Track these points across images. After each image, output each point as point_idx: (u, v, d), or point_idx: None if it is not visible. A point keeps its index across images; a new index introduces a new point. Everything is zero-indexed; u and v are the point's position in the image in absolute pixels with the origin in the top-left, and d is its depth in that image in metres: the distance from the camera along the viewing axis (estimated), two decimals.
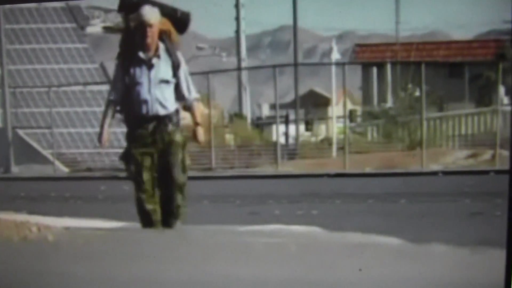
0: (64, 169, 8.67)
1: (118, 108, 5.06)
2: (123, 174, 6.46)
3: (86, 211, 6.79)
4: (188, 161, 5.30)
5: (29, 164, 8.55)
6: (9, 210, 6.37)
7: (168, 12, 5.22)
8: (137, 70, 5.08)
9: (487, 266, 4.72)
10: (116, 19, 8.50)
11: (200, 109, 5.26)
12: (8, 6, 8.10)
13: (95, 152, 8.51)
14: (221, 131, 8.88)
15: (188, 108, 5.17)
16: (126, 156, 5.16)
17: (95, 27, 8.67)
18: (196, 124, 5.16)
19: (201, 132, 5.23)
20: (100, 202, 7.23)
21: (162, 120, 5.11)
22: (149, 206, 5.26)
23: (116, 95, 5.12)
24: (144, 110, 5.08)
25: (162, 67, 5.11)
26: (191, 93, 5.09)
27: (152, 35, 5.06)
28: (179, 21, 5.31)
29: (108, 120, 5.18)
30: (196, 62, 6.35)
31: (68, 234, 5.75)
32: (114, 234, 5.89)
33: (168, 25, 5.18)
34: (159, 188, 5.25)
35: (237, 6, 9.01)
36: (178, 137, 5.18)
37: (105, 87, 8.59)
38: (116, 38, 8.21)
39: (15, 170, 8.52)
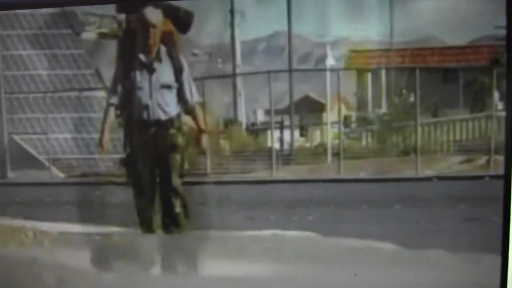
0: (59, 175, 8.66)
1: (118, 112, 5.05)
2: (118, 180, 6.45)
3: (82, 216, 6.80)
4: (186, 166, 5.30)
5: (25, 170, 8.54)
6: (5, 215, 6.37)
7: (170, 12, 5.14)
8: (138, 74, 5.07)
9: (482, 272, 4.73)
10: (111, 25, 8.50)
11: (201, 114, 5.23)
12: (3, 12, 8.10)
13: (91, 158, 8.51)
14: (216, 137, 8.88)
15: (189, 112, 5.16)
16: (126, 161, 5.14)
17: (90, 33, 8.66)
18: (201, 131, 5.14)
19: (205, 140, 5.23)
20: (95, 207, 7.23)
21: (163, 125, 5.10)
22: (149, 212, 5.26)
23: (116, 98, 5.11)
24: (145, 115, 5.08)
25: (164, 72, 5.09)
26: (194, 97, 5.09)
27: (154, 36, 5.03)
28: (181, 20, 5.23)
29: (108, 124, 5.18)
30: (191, 68, 6.35)
31: (64, 239, 5.75)
32: (110, 239, 5.90)
33: (169, 26, 5.13)
34: (159, 194, 5.24)
35: (232, 12, 9.01)
36: (179, 142, 5.17)
37: (101, 93, 8.59)
38: (111, 44, 8.21)
39: (11, 175, 8.51)
